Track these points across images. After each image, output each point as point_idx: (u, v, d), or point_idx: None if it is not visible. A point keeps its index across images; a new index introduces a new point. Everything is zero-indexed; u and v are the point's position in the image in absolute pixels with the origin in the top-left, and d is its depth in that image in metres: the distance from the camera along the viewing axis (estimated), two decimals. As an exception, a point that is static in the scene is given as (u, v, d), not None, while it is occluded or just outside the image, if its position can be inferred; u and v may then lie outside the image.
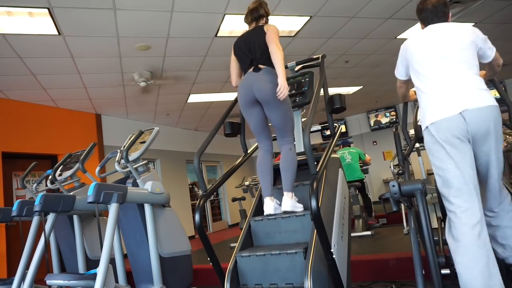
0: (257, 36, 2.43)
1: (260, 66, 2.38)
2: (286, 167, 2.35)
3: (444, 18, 2.02)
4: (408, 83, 2.25)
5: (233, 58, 2.58)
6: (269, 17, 2.61)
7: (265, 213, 2.36)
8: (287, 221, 2.30)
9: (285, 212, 2.30)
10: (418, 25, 2.18)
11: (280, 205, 2.37)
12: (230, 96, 6.73)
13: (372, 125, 10.17)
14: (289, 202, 2.29)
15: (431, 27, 2.01)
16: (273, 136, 2.62)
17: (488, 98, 1.81)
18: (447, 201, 1.85)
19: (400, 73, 2.21)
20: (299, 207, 2.33)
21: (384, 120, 9.99)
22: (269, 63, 2.39)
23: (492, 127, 1.79)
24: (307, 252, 1.95)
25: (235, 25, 4.20)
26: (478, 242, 1.71)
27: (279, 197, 2.43)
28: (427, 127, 1.89)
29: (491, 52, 1.98)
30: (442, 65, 1.89)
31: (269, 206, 2.34)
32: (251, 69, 2.42)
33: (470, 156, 1.82)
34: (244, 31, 2.59)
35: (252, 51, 2.42)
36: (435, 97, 1.88)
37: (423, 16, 2.08)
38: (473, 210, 1.77)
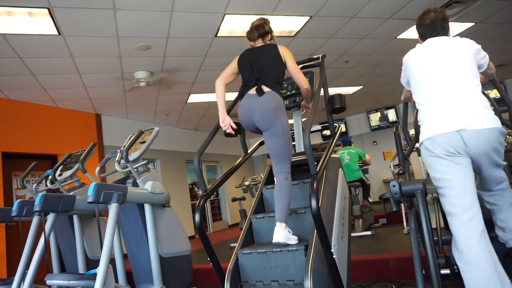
0: (270, 56, 2.36)
1: (264, 89, 2.30)
2: (280, 195, 2.20)
3: (443, 33, 2.00)
4: None
5: (234, 63, 2.49)
6: (270, 21, 2.57)
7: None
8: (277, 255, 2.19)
9: (277, 244, 2.13)
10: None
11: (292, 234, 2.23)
12: (230, 96, 6.72)
13: (372, 125, 10.16)
14: (282, 233, 2.12)
15: (430, 40, 1.99)
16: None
17: (489, 118, 1.76)
18: (448, 214, 1.82)
19: (405, 84, 2.20)
20: (293, 240, 2.15)
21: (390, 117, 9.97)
22: (275, 86, 2.32)
23: (491, 149, 1.75)
24: (307, 251, 1.96)
25: (235, 25, 4.20)
26: (486, 256, 1.67)
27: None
28: (422, 142, 1.87)
29: (485, 61, 1.97)
30: (442, 79, 1.86)
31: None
32: (253, 90, 2.34)
33: (468, 169, 1.79)
34: (251, 46, 2.52)
35: (260, 70, 2.34)
36: (433, 111, 1.86)
37: (421, 32, 2.06)
38: (475, 220, 1.73)
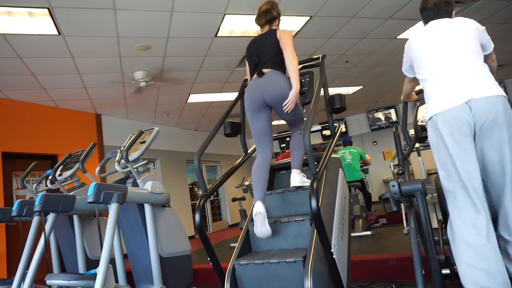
0: (268, 41, 2.41)
1: (264, 70, 2.35)
2: (296, 146, 2.50)
3: (446, 16, 2.01)
4: (416, 80, 2.24)
5: (247, 62, 2.59)
6: (278, 4, 2.57)
7: (253, 214, 2.26)
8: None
9: (294, 187, 2.45)
10: (419, 24, 2.18)
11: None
12: (230, 96, 6.73)
13: (374, 124, 10.16)
14: (297, 178, 2.41)
15: (433, 22, 2.01)
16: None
17: (496, 87, 1.76)
18: (448, 199, 1.80)
19: (406, 71, 2.21)
20: (307, 182, 2.42)
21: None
22: (275, 66, 2.36)
23: (501, 117, 1.68)
24: (307, 252, 1.96)
25: (235, 25, 4.19)
26: (486, 244, 1.62)
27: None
28: (431, 117, 1.84)
29: (490, 43, 1.97)
30: (447, 53, 1.87)
31: (259, 207, 2.26)
32: (255, 75, 2.39)
33: (472, 155, 1.72)
34: (257, 33, 2.57)
35: (259, 56, 2.39)
36: (440, 85, 1.85)
37: (424, 15, 2.08)
38: (478, 215, 1.67)
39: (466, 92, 1.74)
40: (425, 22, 2.08)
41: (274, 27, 2.50)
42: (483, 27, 1.94)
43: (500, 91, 1.74)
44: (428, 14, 2.04)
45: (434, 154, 1.87)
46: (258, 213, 2.20)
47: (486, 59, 2.00)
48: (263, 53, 2.38)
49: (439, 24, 1.97)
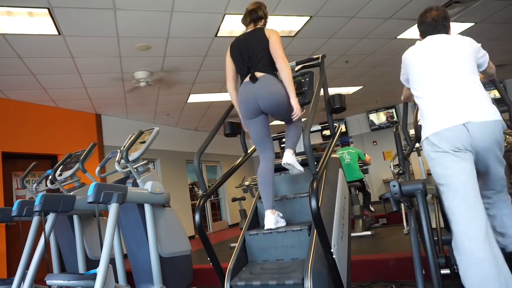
0: (257, 40, 2.35)
1: (257, 74, 2.32)
2: (291, 128, 2.44)
3: (443, 31, 2.01)
4: None
5: (228, 61, 2.50)
6: (269, 18, 2.57)
7: (265, 227, 2.29)
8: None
9: (286, 164, 2.30)
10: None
11: (281, 217, 2.34)
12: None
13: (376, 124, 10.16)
14: (290, 157, 2.31)
15: (430, 37, 2.00)
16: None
17: (493, 111, 1.78)
18: (450, 212, 1.79)
19: (405, 81, 2.20)
20: (299, 166, 2.33)
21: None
22: (268, 69, 2.33)
23: (496, 142, 1.77)
24: (308, 251, 1.96)
25: (235, 25, 4.20)
26: (490, 259, 1.60)
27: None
28: (427, 137, 1.85)
29: (484, 59, 1.98)
30: (442, 72, 1.87)
31: (270, 220, 2.28)
32: (247, 78, 2.35)
33: (472, 166, 1.79)
34: (242, 33, 2.53)
35: (251, 57, 2.34)
36: (435, 104, 1.85)
37: (422, 29, 2.07)
38: (480, 220, 1.68)
39: (463, 114, 1.76)
40: (422, 37, 2.07)
41: (259, 26, 2.47)
42: (479, 44, 1.95)
43: (496, 115, 1.77)
44: (426, 28, 2.04)
45: (431, 167, 1.90)
46: (269, 228, 2.28)
47: (483, 72, 2.03)
48: (254, 54, 2.33)
49: (437, 41, 1.97)
